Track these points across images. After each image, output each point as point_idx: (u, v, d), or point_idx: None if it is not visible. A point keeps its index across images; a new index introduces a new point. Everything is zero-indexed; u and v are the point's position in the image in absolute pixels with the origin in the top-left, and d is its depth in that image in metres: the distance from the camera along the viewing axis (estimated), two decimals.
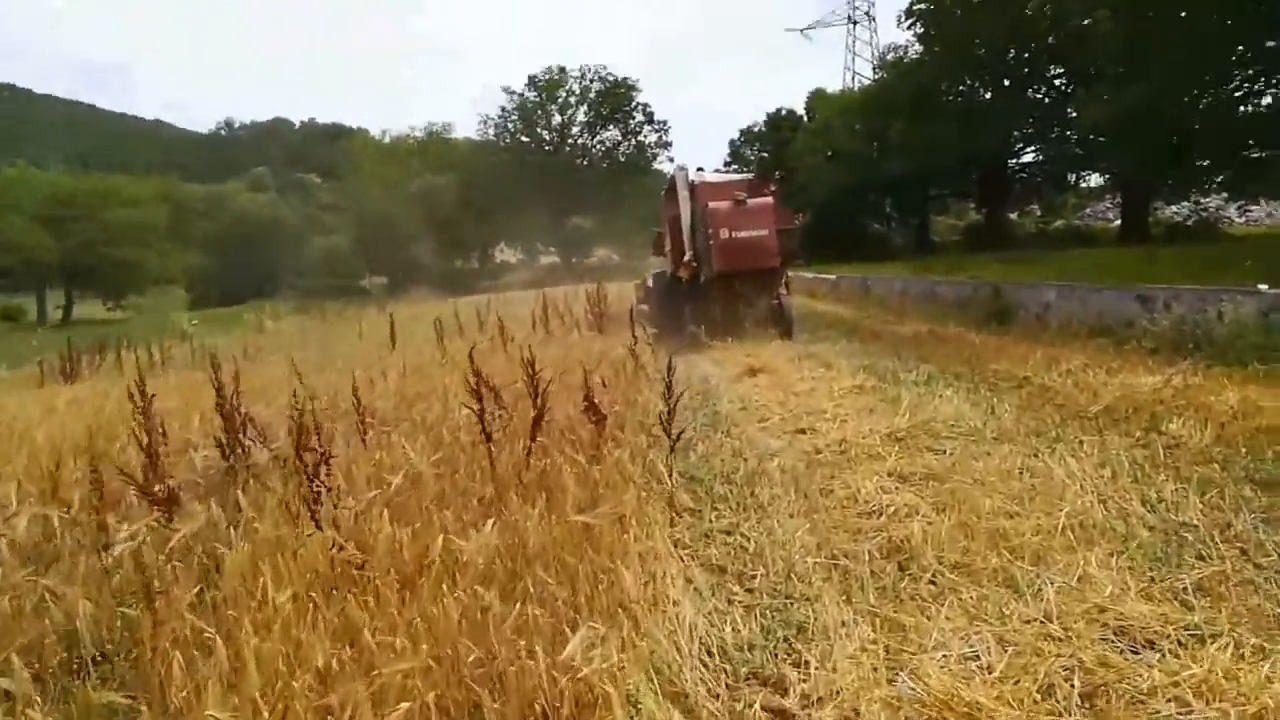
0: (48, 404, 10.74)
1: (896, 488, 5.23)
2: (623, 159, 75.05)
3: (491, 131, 75.46)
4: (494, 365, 9.85)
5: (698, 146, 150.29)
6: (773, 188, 15.60)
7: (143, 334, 28.30)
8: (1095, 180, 43.82)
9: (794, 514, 5.09)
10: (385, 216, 71.61)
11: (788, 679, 3.13)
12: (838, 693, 3.00)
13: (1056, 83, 36.73)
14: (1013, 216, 46.62)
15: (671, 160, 73.62)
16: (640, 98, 74.84)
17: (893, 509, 4.83)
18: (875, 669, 3.15)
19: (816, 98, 56.98)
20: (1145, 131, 25.68)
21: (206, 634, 3.00)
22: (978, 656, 3.22)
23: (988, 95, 38.91)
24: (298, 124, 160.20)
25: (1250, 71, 25.80)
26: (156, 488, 4.26)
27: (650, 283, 17.97)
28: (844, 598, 3.84)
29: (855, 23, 74.47)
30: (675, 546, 4.46)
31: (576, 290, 20.87)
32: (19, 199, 62.68)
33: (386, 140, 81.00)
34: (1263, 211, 39.33)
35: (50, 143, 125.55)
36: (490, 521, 3.80)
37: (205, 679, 2.72)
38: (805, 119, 56.57)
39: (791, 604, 3.81)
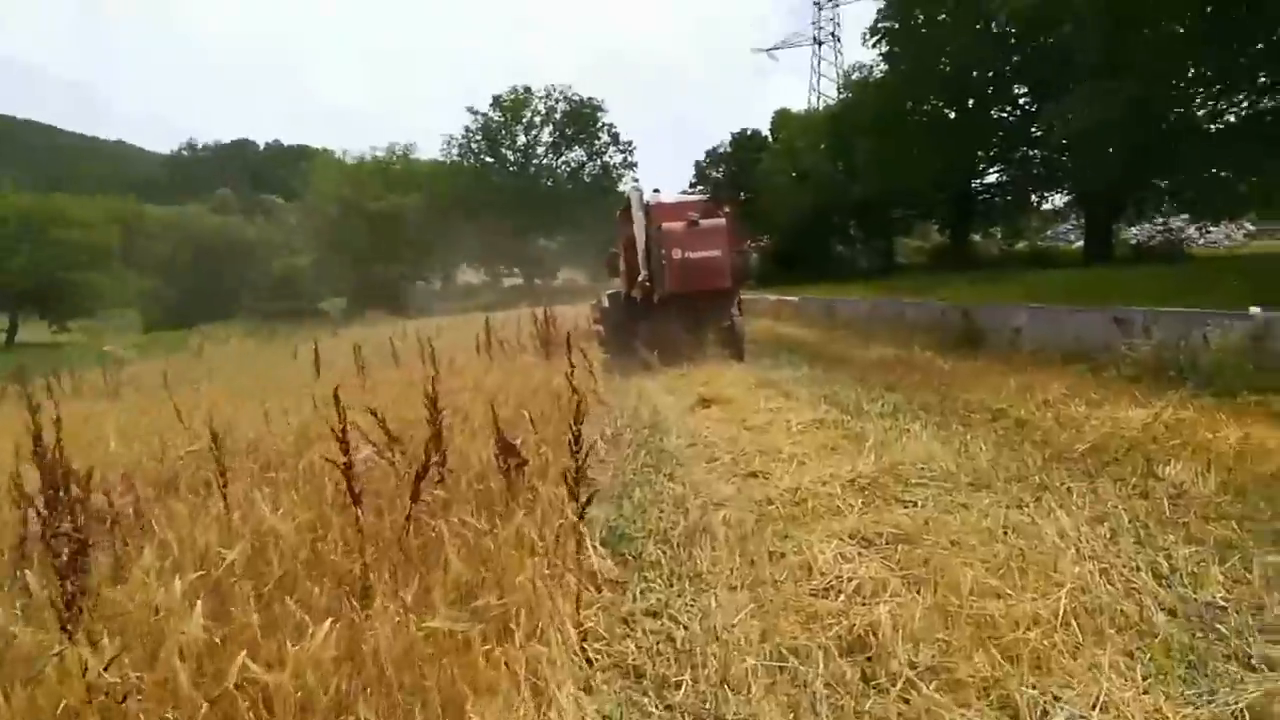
0: None
1: (860, 554, 4.35)
2: (588, 179, 74.21)
3: (455, 152, 74.39)
4: (416, 399, 8.92)
5: (664, 167, 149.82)
6: (726, 209, 15.51)
7: (78, 359, 26.97)
8: (1058, 201, 43.75)
9: (737, 585, 4.22)
10: (345, 237, 70.41)
11: None
12: None
13: (1021, 101, 36.49)
14: (977, 238, 46.37)
15: (637, 181, 72.93)
16: (606, 118, 74.33)
17: (855, 584, 3.96)
18: None
19: (781, 118, 56.63)
20: (1116, 144, 25.32)
21: None
22: None
23: (952, 115, 38.61)
24: (262, 145, 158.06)
25: (1216, 88, 25.55)
26: None
27: (605, 303, 17.80)
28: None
29: (820, 43, 74.59)
30: (583, 640, 3.55)
31: (536, 312, 20.00)
32: None
33: (347, 160, 79.60)
34: (1221, 234, 39.30)
35: (8, 164, 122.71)
36: (326, 626, 2.87)
37: None
38: (770, 140, 56.18)
39: None
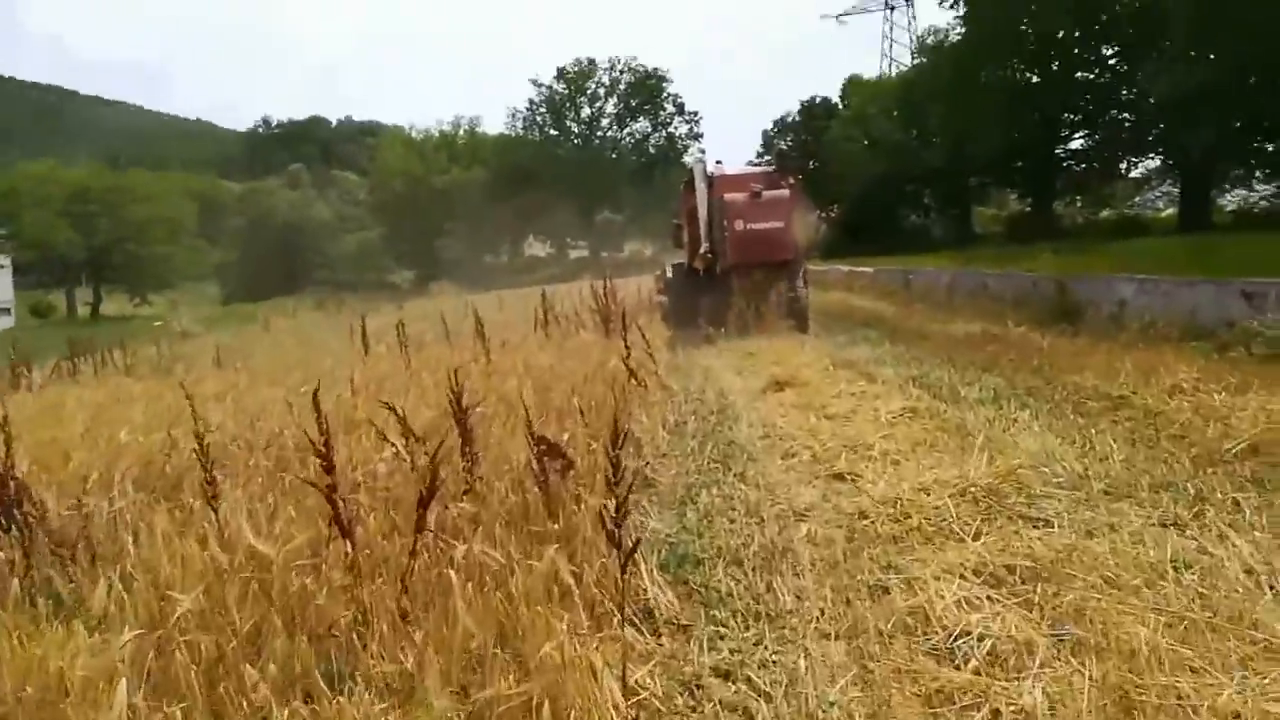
0: None
1: (988, 597, 3.40)
2: (653, 151, 73.10)
3: (520, 125, 73.92)
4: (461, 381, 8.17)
5: (730, 138, 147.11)
6: (791, 180, 15.37)
7: (145, 333, 27.15)
8: (1147, 167, 41.25)
9: (830, 634, 3.33)
10: (412, 211, 70.72)
11: None
12: None
13: (1110, 62, 34.24)
14: (1059, 206, 44.03)
15: (703, 152, 71.52)
16: (671, 88, 72.91)
17: (987, 643, 3.03)
18: None
19: (852, 85, 54.68)
20: (1216, 107, 23.37)
21: None
22: None
23: (1034, 78, 36.47)
24: (334, 122, 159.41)
25: None
26: None
27: (669, 274, 17.80)
28: None
29: (892, 7, 71.76)
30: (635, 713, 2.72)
31: (597, 286, 19.15)
32: (47, 195, 62.24)
33: (414, 135, 79.73)
34: None
35: (91, 141, 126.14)
36: None
37: None
38: (840, 107, 54.29)
39: None
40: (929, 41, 46.41)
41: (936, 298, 17.92)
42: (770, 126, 59.96)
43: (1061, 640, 3.04)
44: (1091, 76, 35.26)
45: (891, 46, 71.26)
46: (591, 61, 72.51)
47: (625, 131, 74.10)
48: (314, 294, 61.69)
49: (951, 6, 37.26)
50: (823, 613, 3.52)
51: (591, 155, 71.66)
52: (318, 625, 2.91)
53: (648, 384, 8.20)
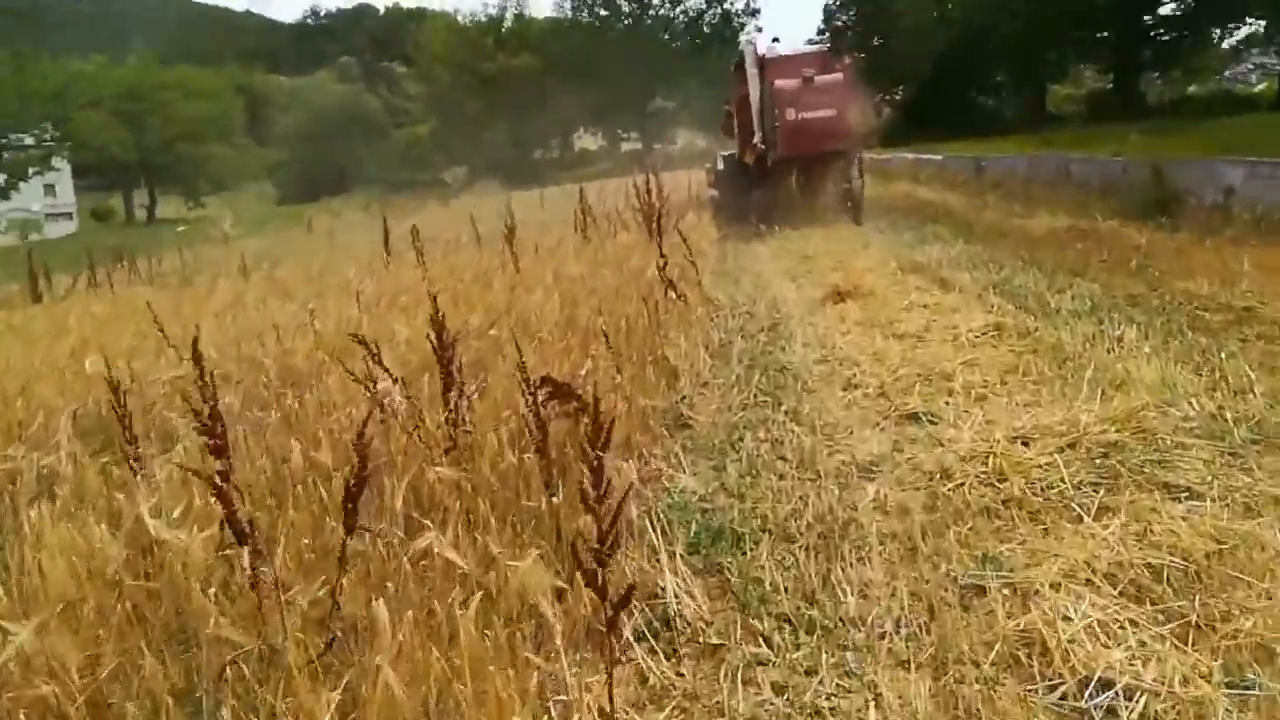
0: None
1: (1129, 621, 2.49)
2: (707, 30, 69.74)
3: (569, 6, 70.95)
4: (479, 295, 7.32)
5: (790, 13, 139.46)
6: (847, 62, 14.62)
7: (188, 238, 26.77)
8: (1239, 36, 37.87)
9: (910, 663, 2.49)
10: (460, 103, 69.03)
11: None
12: None
13: None
14: (1143, 82, 40.74)
15: (760, 30, 67.98)
16: None
17: (1140, 698, 2.15)
18: None
19: None
20: None
21: None
22: None
23: None
24: (382, 9, 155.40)
25: None
26: None
27: (720, 165, 17.11)
28: None
29: None
30: None
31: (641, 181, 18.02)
32: (98, 95, 61.76)
33: (460, 20, 77.17)
34: None
35: (137, 34, 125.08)
36: None
37: None
38: None
39: None
40: None
41: (1012, 187, 16.39)
42: (832, 1, 56.33)
43: (1245, 697, 2.15)
44: None
45: None
46: None
47: (679, 9, 70.65)
48: (364, 194, 61.12)
49: None
50: (898, 626, 2.67)
51: (643, 37, 68.65)
52: (206, 670, 2.16)
53: (689, 297, 7.24)
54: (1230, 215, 10.11)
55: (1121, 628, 2.44)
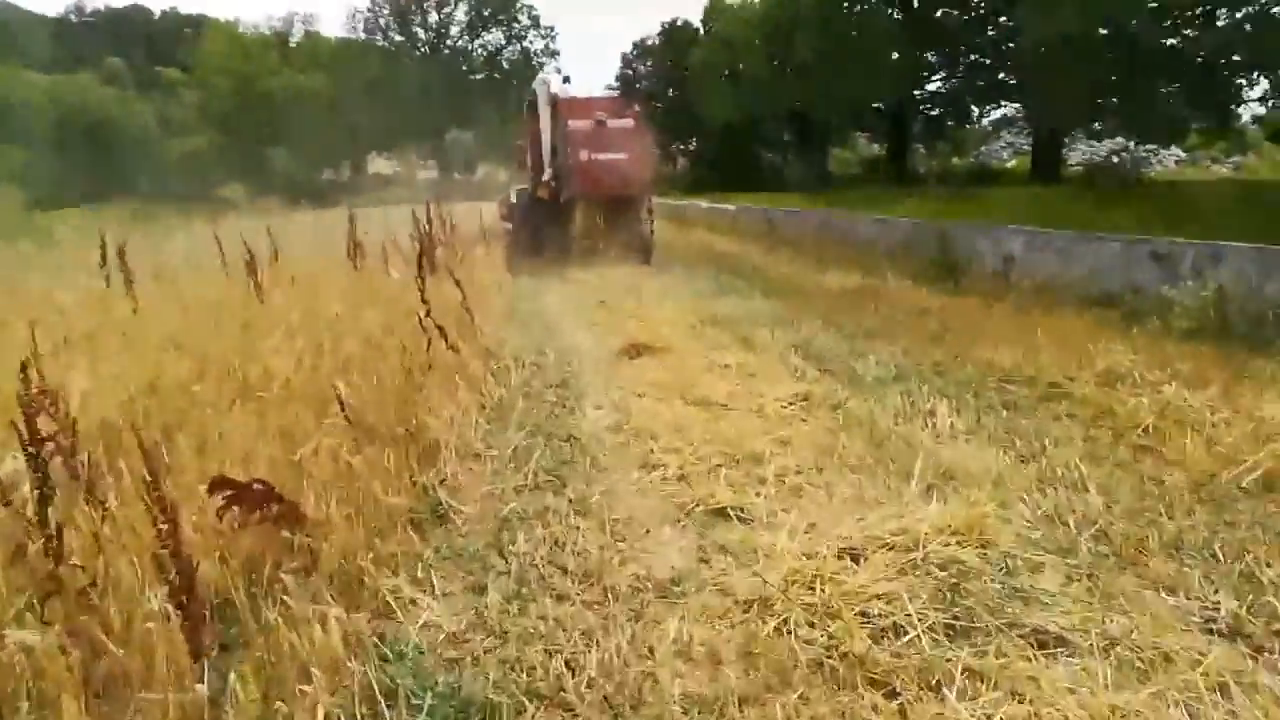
0: None
1: None
2: (507, 66, 68.92)
3: (361, 28, 68.13)
4: (207, 336, 5.97)
5: (589, 59, 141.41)
6: (637, 109, 15.11)
7: None
8: (997, 115, 41.68)
9: None
10: (241, 117, 64.50)
11: None
12: None
13: (973, 2, 33.74)
14: (917, 150, 43.87)
15: (559, 70, 67.91)
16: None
17: None
18: None
19: (714, 6, 52.22)
20: (1074, 59, 23.05)
21: None
22: None
23: (896, 14, 35.54)
24: (158, 13, 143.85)
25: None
26: None
27: (514, 199, 16.73)
28: None
29: None
30: None
31: (451, 208, 16.82)
32: None
33: (242, 30, 72.26)
34: (1172, 158, 37.61)
35: None
36: None
37: None
38: (702, 32, 51.99)
39: None
40: None
41: (804, 243, 16.49)
42: (630, 50, 57.34)
43: None
44: (954, 14, 34.69)
45: None
46: None
47: (477, 43, 69.39)
48: (127, 205, 55.43)
49: None
50: None
51: (441, 67, 66.96)
52: None
53: (461, 348, 6.22)
54: (1011, 283, 10.31)
55: None
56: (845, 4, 35.53)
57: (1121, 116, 28.58)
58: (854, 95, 36.23)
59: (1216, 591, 2.99)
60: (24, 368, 2.34)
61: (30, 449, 2.15)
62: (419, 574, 3.21)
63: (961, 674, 2.44)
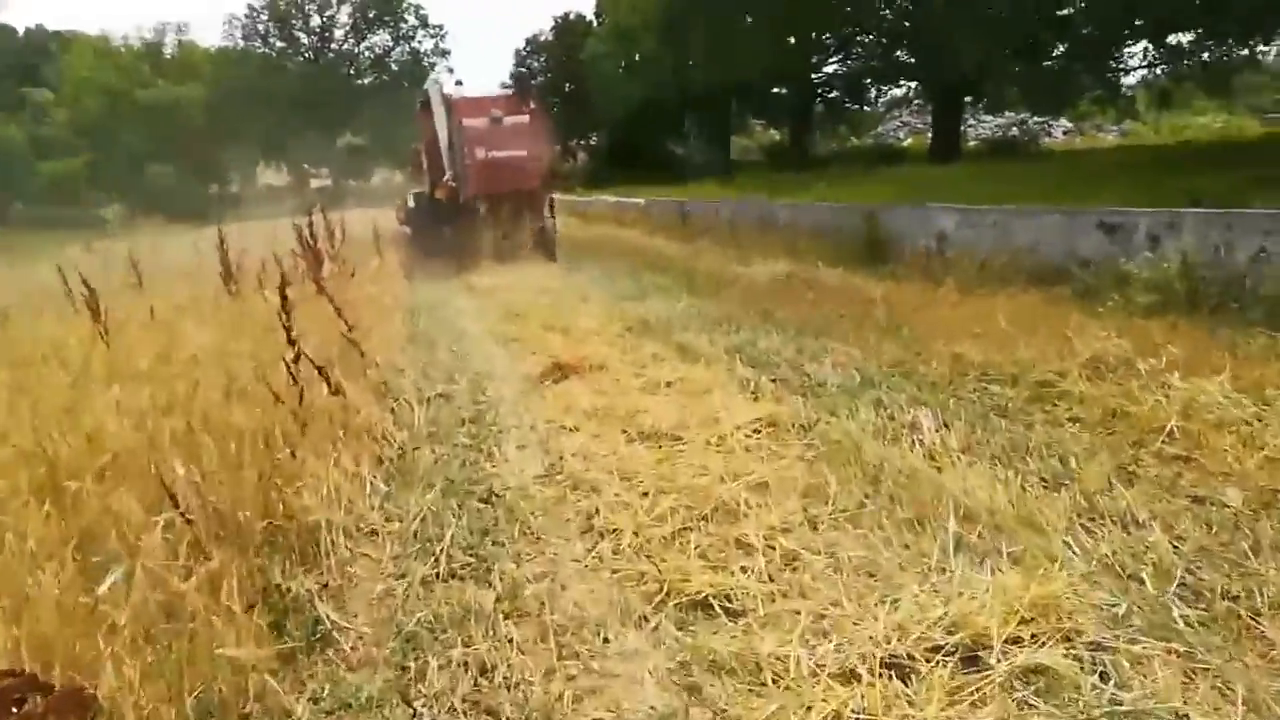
0: None
1: None
2: (395, 68, 66.60)
3: (240, 34, 64.92)
4: (28, 388, 4.78)
5: (482, 57, 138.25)
6: (533, 105, 15.26)
7: None
8: (896, 94, 41.82)
9: None
10: (116, 133, 60.87)
11: None
12: None
13: None
14: (815, 133, 43.76)
15: (451, 71, 65.83)
16: None
17: None
18: None
19: None
20: (973, 28, 22.89)
21: None
22: None
23: None
24: (22, 30, 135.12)
25: None
26: None
27: (411, 204, 17.17)
28: None
29: None
30: None
31: (344, 216, 15.50)
32: None
33: (112, 44, 68.11)
34: (1060, 130, 38.32)
35: None
36: None
37: None
38: (595, 24, 50.97)
39: None
40: None
41: (720, 233, 15.70)
42: (523, 46, 55.89)
43: None
44: None
45: None
46: None
47: (364, 45, 66.85)
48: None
49: None
50: None
51: (325, 71, 64.35)
52: None
53: (353, 385, 5.15)
54: (948, 261, 9.70)
55: None
56: None
57: (1020, 85, 28.64)
58: (750, 79, 35.78)
59: None
60: None
61: None
62: None
63: None
